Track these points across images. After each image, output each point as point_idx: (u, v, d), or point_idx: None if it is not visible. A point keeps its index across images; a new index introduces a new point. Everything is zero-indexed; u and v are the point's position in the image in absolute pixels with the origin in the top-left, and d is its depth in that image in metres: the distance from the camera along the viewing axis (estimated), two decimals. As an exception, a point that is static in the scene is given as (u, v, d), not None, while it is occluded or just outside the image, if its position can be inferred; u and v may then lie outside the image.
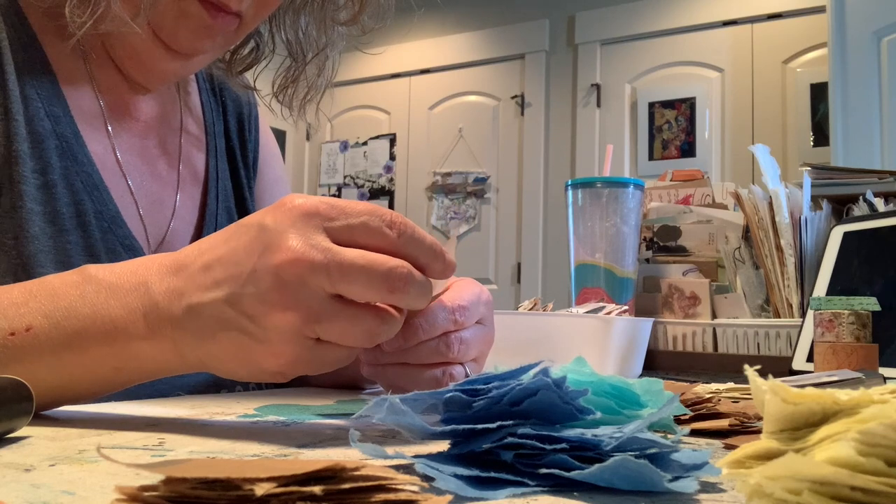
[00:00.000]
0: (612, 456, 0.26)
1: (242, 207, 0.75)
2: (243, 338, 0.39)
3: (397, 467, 0.29)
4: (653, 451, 0.29)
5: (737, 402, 0.49)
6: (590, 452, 0.28)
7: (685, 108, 3.31)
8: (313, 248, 0.38)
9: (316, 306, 0.38)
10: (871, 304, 0.65)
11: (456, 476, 0.26)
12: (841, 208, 1.07)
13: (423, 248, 0.41)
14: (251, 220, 0.41)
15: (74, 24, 0.55)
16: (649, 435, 0.29)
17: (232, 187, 0.75)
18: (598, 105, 3.51)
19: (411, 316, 0.45)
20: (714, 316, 1.09)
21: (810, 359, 0.80)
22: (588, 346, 0.85)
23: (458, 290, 0.49)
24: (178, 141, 0.71)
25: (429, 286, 0.42)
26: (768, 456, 0.21)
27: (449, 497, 0.23)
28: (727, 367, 1.03)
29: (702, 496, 0.27)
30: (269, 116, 0.78)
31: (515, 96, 3.73)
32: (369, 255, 0.39)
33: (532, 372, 0.30)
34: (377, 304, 0.41)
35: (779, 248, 1.03)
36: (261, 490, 0.19)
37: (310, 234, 0.38)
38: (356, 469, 0.21)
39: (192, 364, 0.42)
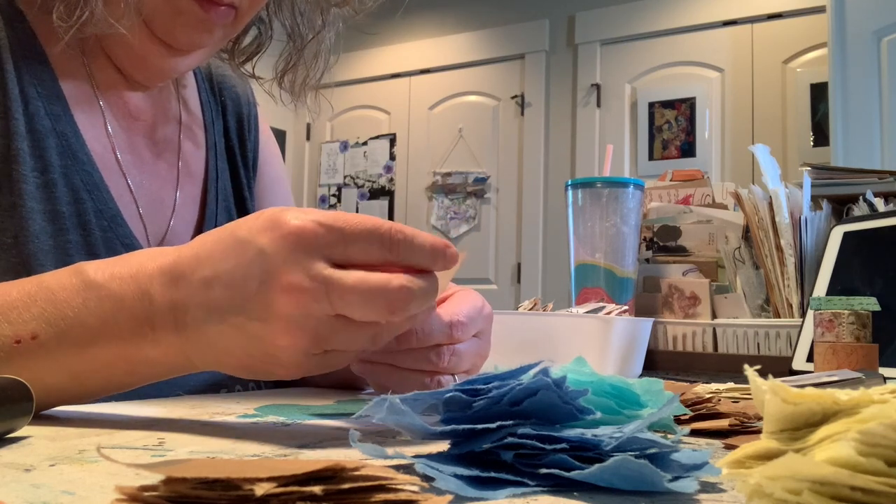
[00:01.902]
0: (612, 456, 0.26)
1: (242, 207, 0.75)
2: (252, 354, 0.40)
3: (397, 467, 0.29)
4: (653, 451, 0.29)
5: (737, 402, 0.49)
6: (590, 452, 0.28)
7: (685, 108, 3.31)
8: (312, 280, 0.38)
9: (321, 331, 0.39)
10: (871, 304, 0.65)
11: (456, 476, 0.26)
12: (841, 208, 1.07)
13: (424, 254, 0.40)
14: (246, 235, 0.40)
15: (61, 28, 0.55)
16: (649, 435, 0.29)
17: (232, 187, 0.75)
18: (598, 105, 3.51)
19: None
20: (714, 316, 1.09)
21: (810, 359, 0.80)
22: (588, 346, 0.85)
23: (459, 303, 0.50)
24: (178, 140, 0.71)
25: (431, 289, 0.41)
26: (768, 456, 0.21)
27: (449, 497, 0.23)
28: (727, 367, 1.03)
29: (702, 496, 0.27)
30: (268, 110, 0.78)
31: (515, 96, 3.73)
32: (369, 279, 0.39)
33: (532, 372, 0.30)
34: None
35: (779, 248, 1.03)
36: (261, 490, 0.19)
37: (308, 264, 0.38)
38: (356, 469, 0.21)
39: (202, 368, 0.43)
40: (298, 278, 0.38)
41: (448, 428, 0.29)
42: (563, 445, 0.28)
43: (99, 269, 0.42)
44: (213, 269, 0.40)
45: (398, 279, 0.39)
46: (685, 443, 0.40)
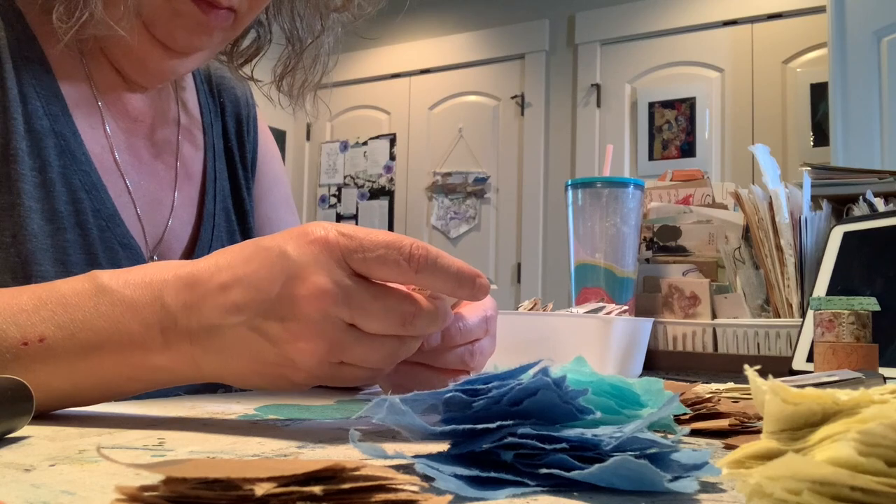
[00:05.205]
0: (612, 456, 0.26)
1: (240, 208, 0.75)
2: (267, 359, 0.41)
3: (397, 467, 0.29)
4: (653, 451, 0.29)
5: (737, 402, 0.49)
6: (590, 452, 0.28)
7: (685, 108, 3.31)
8: (335, 284, 0.39)
9: (339, 337, 0.40)
10: (871, 304, 0.65)
11: (456, 476, 0.26)
12: (841, 208, 1.07)
13: (447, 277, 0.41)
14: (270, 243, 0.41)
15: (61, 29, 0.55)
16: (649, 435, 0.29)
17: (230, 188, 0.75)
18: (598, 105, 3.51)
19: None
20: (714, 316, 1.09)
21: (810, 359, 0.80)
22: (588, 346, 0.85)
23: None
24: (176, 140, 0.71)
25: (439, 313, 0.43)
26: (768, 456, 0.21)
27: (449, 497, 0.23)
28: (727, 367, 1.03)
29: (702, 496, 0.27)
30: (267, 110, 0.78)
31: (515, 96, 3.73)
32: (386, 292, 0.41)
33: (532, 371, 0.30)
34: None
35: (779, 248, 1.03)
36: (261, 490, 0.19)
37: (332, 269, 0.39)
38: (356, 469, 0.21)
39: (210, 376, 0.43)
40: (323, 280, 0.39)
41: (448, 428, 0.29)
42: (563, 445, 0.28)
43: (113, 276, 0.43)
44: (233, 274, 0.41)
45: (412, 299, 0.41)
46: (685, 443, 0.40)
